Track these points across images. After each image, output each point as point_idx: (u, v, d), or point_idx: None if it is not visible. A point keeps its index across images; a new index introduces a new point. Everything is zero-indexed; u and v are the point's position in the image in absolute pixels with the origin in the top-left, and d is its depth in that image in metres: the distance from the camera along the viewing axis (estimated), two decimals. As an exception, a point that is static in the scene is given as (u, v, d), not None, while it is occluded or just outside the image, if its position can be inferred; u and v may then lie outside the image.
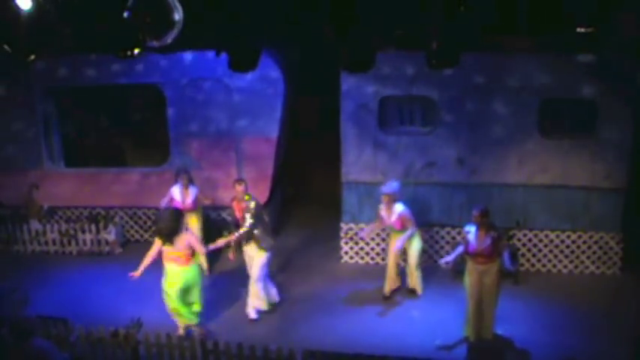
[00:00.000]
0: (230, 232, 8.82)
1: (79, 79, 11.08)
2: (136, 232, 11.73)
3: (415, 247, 9.15)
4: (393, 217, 8.93)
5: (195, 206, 10.07)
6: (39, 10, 6.26)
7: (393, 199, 8.88)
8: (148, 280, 10.06)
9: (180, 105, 10.93)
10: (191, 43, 10.34)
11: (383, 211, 9.04)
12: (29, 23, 6.34)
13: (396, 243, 8.98)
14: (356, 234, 10.41)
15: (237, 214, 8.76)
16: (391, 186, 8.97)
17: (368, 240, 10.35)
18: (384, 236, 10.23)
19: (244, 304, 9.02)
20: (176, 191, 9.98)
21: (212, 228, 10.55)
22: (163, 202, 9.94)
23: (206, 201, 10.26)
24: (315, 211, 12.32)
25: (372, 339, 8.24)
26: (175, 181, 10.02)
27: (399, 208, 8.89)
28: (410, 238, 8.99)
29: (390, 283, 9.38)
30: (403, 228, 8.93)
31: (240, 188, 8.63)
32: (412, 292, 9.44)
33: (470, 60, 9.07)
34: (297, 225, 12.25)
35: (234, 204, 8.79)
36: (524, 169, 9.92)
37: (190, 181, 10.00)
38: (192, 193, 10.00)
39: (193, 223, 10.14)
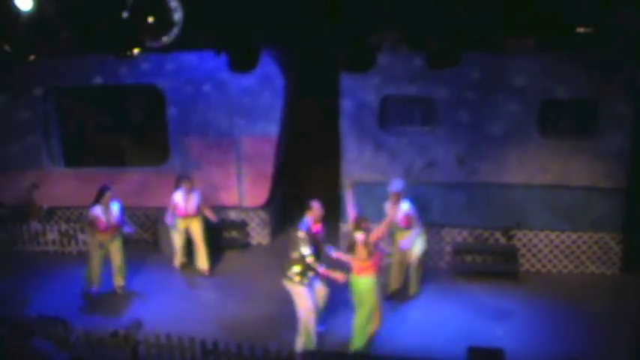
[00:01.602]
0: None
1: (79, 78, 11.07)
2: (136, 232, 11.69)
3: (418, 246, 9.13)
4: (400, 215, 8.93)
5: (198, 212, 10.06)
6: (39, 10, 6.25)
7: (400, 197, 8.90)
8: (148, 279, 10.13)
9: (179, 105, 10.91)
10: (191, 43, 10.39)
11: (389, 209, 9.03)
12: (29, 23, 6.34)
13: (402, 242, 8.96)
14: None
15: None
16: (397, 184, 8.99)
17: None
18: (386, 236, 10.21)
19: (244, 305, 9.02)
20: (179, 197, 9.96)
21: (213, 229, 10.54)
22: (169, 213, 10.00)
23: (207, 211, 10.10)
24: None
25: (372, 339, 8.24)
26: (177, 187, 10.00)
27: (405, 206, 8.91)
28: (415, 237, 9.00)
29: (393, 283, 9.37)
30: (408, 226, 8.93)
31: (318, 205, 8.09)
32: (409, 291, 9.42)
33: (470, 60, 9.05)
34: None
35: (313, 225, 8.15)
36: (525, 169, 9.91)
37: (192, 188, 9.99)
38: (194, 198, 9.99)
39: (196, 228, 10.13)
